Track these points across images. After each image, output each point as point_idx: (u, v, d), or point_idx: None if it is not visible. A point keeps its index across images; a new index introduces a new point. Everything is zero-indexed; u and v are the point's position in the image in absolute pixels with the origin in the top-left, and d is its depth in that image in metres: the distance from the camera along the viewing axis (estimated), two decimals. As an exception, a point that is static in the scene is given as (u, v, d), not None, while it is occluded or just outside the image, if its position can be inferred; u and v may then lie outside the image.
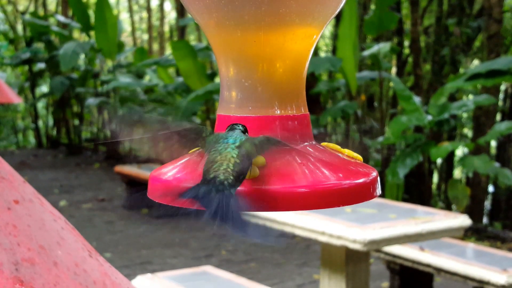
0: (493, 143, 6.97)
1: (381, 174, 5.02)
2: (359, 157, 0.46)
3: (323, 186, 0.41)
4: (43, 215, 0.50)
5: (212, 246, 4.45)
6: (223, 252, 4.30)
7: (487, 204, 6.66)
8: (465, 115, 7.13)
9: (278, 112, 0.45)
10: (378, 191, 0.44)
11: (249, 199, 0.41)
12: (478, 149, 5.09)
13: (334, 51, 7.82)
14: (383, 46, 6.01)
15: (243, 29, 0.44)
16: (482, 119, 5.48)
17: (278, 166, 0.42)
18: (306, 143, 0.46)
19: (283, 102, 0.46)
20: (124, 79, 7.65)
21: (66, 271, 0.46)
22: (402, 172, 4.68)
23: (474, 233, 4.93)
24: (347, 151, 0.46)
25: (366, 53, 6.08)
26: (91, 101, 8.14)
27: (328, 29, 10.36)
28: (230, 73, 0.46)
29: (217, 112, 0.47)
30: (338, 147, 0.47)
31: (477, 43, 7.43)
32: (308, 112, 0.46)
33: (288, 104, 0.46)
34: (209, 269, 2.84)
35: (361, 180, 0.43)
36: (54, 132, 10.57)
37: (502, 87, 7.04)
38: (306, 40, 0.46)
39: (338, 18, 6.23)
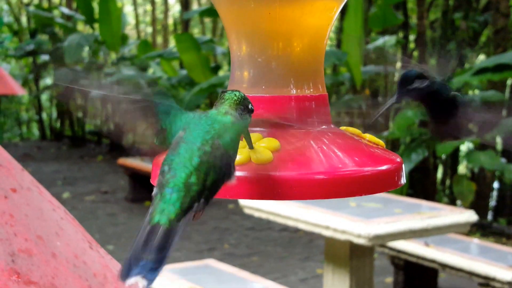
0: (499, 139, 6.91)
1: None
2: (381, 142, 0.43)
3: (343, 173, 0.37)
4: (42, 204, 0.47)
5: (214, 239, 4.44)
6: (226, 246, 4.28)
7: (492, 200, 6.62)
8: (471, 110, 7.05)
9: (294, 91, 0.41)
10: (403, 179, 0.40)
11: (261, 186, 0.37)
12: (483, 145, 5.05)
13: (338, 45, 7.77)
14: (389, 40, 5.96)
15: (257, 0, 0.40)
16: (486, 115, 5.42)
17: (293, 150, 0.39)
18: (324, 126, 0.42)
19: (300, 80, 0.42)
20: (128, 71, 7.63)
21: (65, 263, 0.44)
22: (407, 167, 4.65)
23: (479, 229, 4.90)
24: (368, 136, 0.43)
25: (371, 46, 6.04)
26: (95, 94, 8.10)
27: (333, 23, 10.27)
28: (242, 50, 0.42)
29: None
30: (359, 131, 0.44)
31: (483, 38, 7.37)
32: (326, 93, 0.43)
33: (305, 83, 0.42)
34: (211, 262, 2.83)
35: (384, 167, 0.39)
36: (58, 124, 10.57)
37: (509, 82, 6.98)
38: (325, 14, 0.42)
39: (343, 11, 6.19)
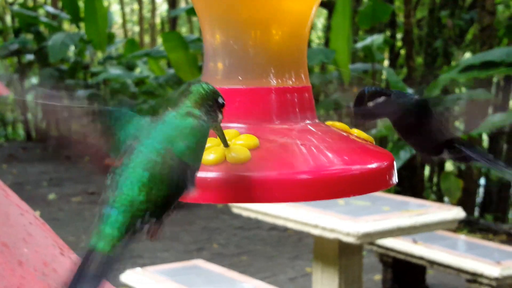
0: (486, 136, 6.96)
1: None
2: (371, 138, 0.40)
3: (329, 172, 0.33)
4: (8, 208, 0.44)
5: (203, 239, 4.41)
6: (215, 246, 4.25)
7: (479, 196, 6.66)
8: (457, 108, 7.09)
9: (274, 82, 0.37)
10: (395, 178, 0.37)
11: (237, 188, 0.34)
12: (470, 142, 5.06)
13: (326, 43, 7.77)
14: (376, 38, 5.96)
15: None
16: (474, 112, 5.44)
17: (274, 148, 0.35)
18: (307, 121, 0.38)
19: (280, 70, 0.37)
20: (115, 70, 7.57)
21: (33, 271, 0.41)
22: (395, 165, 4.64)
23: (466, 225, 4.92)
24: (356, 131, 0.39)
25: (359, 45, 6.04)
26: (81, 93, 8.05)
27: (320, 22, 10.30)
28: (216, 38, 0.38)
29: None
30: (346, 126, 0.40)
31: (469, 36, 7.40)
32: (310, 84, 0.39)
33: (287, 73, 0.37)
34: (200, 262, 2.80)
35: (374, 165, 0.35)
36: (44, 125, 10.45)
37: (495, 80, 7.02)
38: None
39: (331, 9, 6.18)
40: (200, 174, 0.34)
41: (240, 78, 0.38)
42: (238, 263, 3.84)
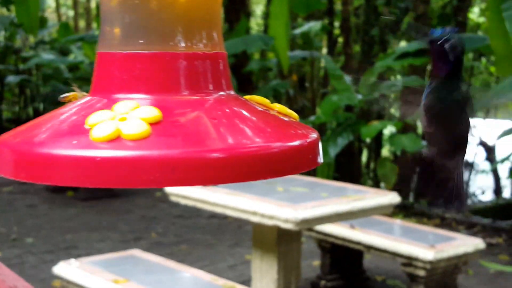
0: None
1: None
2: (294, 114, 0.36)
3: (245, 150, 0.30)
4: None
5: (141, 228, 4.31)
6: (153, 235, 4.17)
7: (413, 181, 6.88)
8: (393, 95, 7.29)
9: (182, 46, 0.32)
10: (320, 158, 0.34)
11: (134, 169, 0.29)
12: (405, 128, 5.21)
13: (265, 31, 7.77)
14: (314, 25, 6.01)
15: None
16: (409, 99, 5.61)
17: (180, 123, 0.30)
18: (221, 93, 0.34)
19: (189, 33, 0.33)
20: (47, 56, 7.28)
21: None
22: (333, 151, 4.71)
23: (401, 210, 5.07)
24: (278, 106, 0.36)
25: (297, 31, 6.07)
26: (12, 78, 7.69)
27: (259, 8, 10.30)
28: None
29: (96, 50, 0.35)
30: (267, 100, 0.36)
31: (404, 25, 7.60)
32: (224, 51, 0.35)
33: (197, 36, 0.33)
34: (137, 252, 2.73)
35: (296, 143, 0.32)
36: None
37: (428, 67, 7.26)
38: None
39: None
40: (89, 153, 0.29)
41: (142, 41, 0.33)
42: (177, 252, 3.79)
